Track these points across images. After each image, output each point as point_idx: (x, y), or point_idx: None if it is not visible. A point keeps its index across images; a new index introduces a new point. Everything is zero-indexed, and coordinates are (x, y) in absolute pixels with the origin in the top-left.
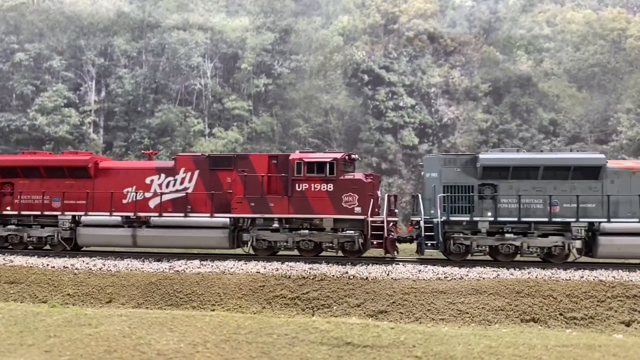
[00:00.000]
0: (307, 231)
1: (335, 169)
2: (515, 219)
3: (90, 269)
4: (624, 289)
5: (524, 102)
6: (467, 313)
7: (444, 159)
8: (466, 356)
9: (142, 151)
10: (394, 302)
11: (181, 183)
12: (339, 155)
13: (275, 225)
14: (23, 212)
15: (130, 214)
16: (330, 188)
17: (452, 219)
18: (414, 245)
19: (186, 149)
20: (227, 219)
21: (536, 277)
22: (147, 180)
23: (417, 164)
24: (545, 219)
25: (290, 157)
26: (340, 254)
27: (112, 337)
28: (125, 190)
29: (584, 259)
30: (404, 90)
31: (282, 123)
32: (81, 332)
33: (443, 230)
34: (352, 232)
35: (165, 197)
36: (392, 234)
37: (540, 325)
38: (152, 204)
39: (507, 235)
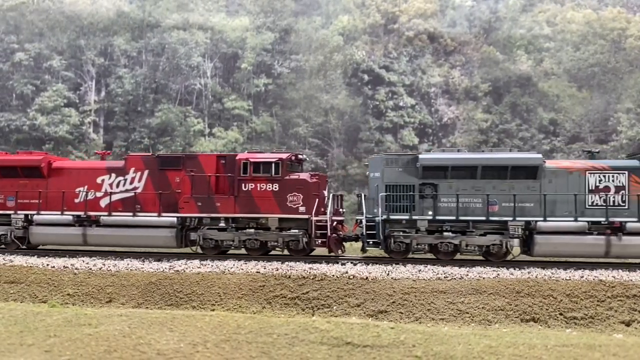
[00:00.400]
0: (253, 230)
1: (280, 169)
2: (454, 218)
3: (90, 268)
4: (624, 289)
5: (524, 101)
6: (467, 313)
7: (386, 159)
8: (466, 356)
9: (95, 151)
10: (394, 302)
11: (131, 183)
12: (284, 156)
13: (222, 224)
14: None
15: (81, 213)
16: (275, 188)
17: (392, 217)
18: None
19: (186, 149)
20: (175, 219)
21: (536, 277)
22: (99, 180)
23: (364, 163)
24: (483, 218)
25: (237, 157)
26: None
27: (112, 337)
28: (78, 189)
29: (590, 260)
30: (404, 90)
31: (282, 123)
32: (81, 332)
33: (384, 229)
34: (297, 231)
35: (115, 197)
36: (340, 233)
37: (540, 325)
38: (103, 203)
39: (445, 233)
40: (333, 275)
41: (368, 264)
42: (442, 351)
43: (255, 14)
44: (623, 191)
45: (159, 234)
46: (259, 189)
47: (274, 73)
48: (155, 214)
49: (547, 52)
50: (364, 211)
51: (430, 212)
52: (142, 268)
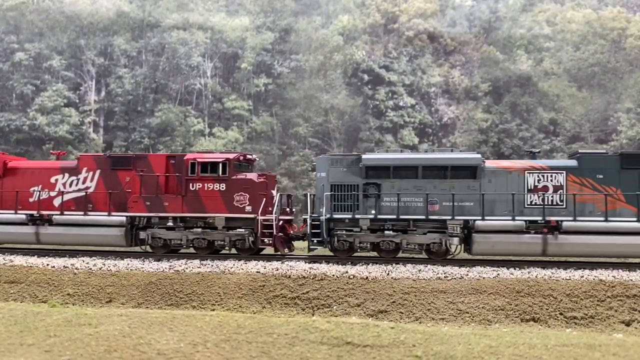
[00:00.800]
0: (200, 230)
1: (227, 169)
2: (395, 217)
3: (90, 268)
4: (624, 289)
5: (524, 101)
6: (467, 313)
7: (332, 159)
8: (466, 356)
9: (50, 151)
10: (394, 302)
11: (83, 182)
12: (231, 156)
13: (170, 224)
14: None
15: (34, 212)
16: (222, 188)
17: (335, 216)
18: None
19: (186, 149)
20: (124, 218)
21: (536, 277)
22: (52, 180)
23: (312, 164)
24: (423, 217)
25: (185, 158)
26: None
27: (112, 336)
28: (32, 189)
29: (583, 258)
30: (403, 90)
31: (282, 123)
32: (81, 331)
33: (328, 228)
34: (243, 230)
35: (68, 196)
36: (290, 232)
37: (541, 325)
38: (57, 202)
39: (387, 232)
40: (333, 275)
41: (368, 264)
42: (442, 351)
43: (255, 13)
44: (561, 190)
45: (108, 233)
46: (206, 188)
47: (274, 73)
48: (106, 213)
49: (547, 52)
50: (309, 210)
51: (373, 211)
52: (142, 268)
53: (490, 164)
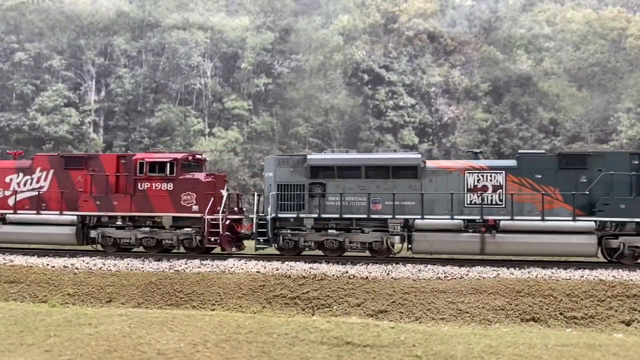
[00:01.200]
0: (148, 229)
1: (175, 168)
2: (337, 216)
3: (90, 268)
4: (624, 289)
5: (524, 101)
6: (467, 312)
7: (278, 159)
8: (466, 355)
9: (7, 151)
10: (394, 302)
11: (37, 182)
12: (179, 156)
13: (119, 222)
14: None
15: None
16: (170, 187)
17: (280, 215)
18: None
19: (186, 149)
20: (75, 217)
21: (536, 277)
22: (7, 179)
23: (261, 164)
24: (365, 216)
25: (134, 157)
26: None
27: (112, 336)
28: None
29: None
30: (403, 90)
31: (282, 122)
32: (81, 331)
33: (274, 227)
34: (190, 229)
35: (22, 195)
36: (240, 231)
37: (541, 325)
38: (11, 202)
39: (330, 231)
40: (333, 275)
41: (368, 264)
42: (442, 351)
43: (255, 13)
44: (500, 190)
45: (60, 232)
46: (154, 188)
47: (274, 73)
48: (58, 212)
49: (547, 52)
50: (255, 210)
51: (318, 211)
52: (142, 268)
53: (431, 164)
